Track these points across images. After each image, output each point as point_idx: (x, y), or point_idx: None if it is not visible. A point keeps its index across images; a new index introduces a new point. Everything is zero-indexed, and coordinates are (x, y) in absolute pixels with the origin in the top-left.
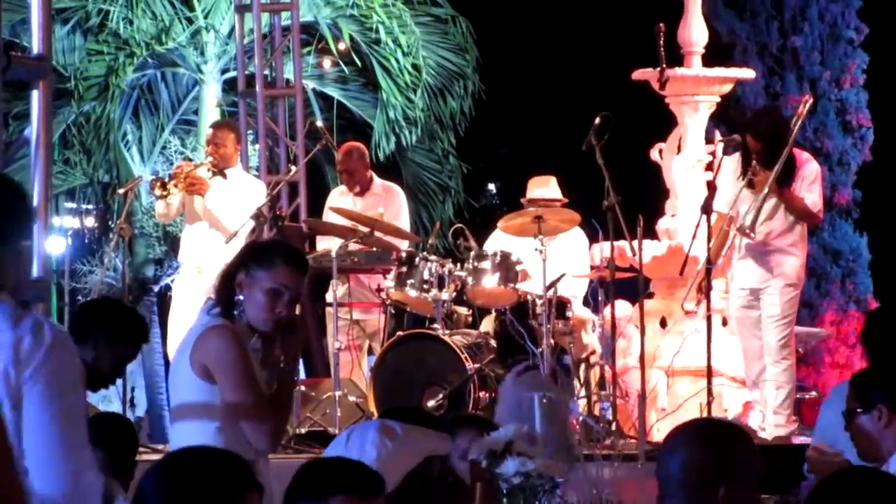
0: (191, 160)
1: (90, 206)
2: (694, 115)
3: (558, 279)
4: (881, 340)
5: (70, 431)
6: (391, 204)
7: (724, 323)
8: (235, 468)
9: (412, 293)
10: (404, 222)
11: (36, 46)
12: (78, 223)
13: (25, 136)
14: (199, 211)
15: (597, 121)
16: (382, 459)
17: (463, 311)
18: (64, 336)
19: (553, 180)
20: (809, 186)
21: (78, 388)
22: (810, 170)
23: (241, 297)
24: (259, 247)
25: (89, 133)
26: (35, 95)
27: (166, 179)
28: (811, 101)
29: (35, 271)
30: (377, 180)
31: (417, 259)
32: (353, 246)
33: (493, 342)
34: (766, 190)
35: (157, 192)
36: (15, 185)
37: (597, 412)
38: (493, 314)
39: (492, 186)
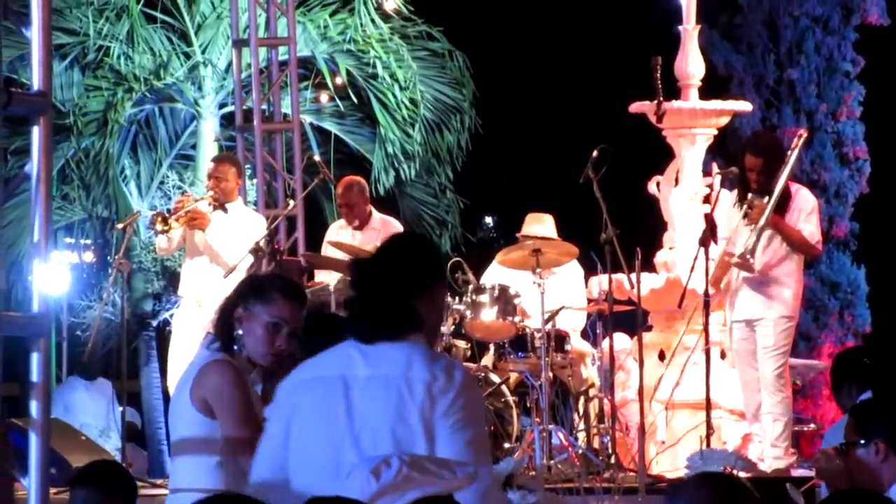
0: (190, 194)
1: (89, 241)
2: (691, 148)
3: (556, 312)
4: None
5: (481, 456)
6: None
7: (723, 356)
8: None
9: None
10: None
11: (36, 83)
12: (76, 258)
13: (26, 171)
14: (199, 245)
15: (594, 154)
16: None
17: (461, 344)
18: (472, 377)
19: (549, 219)
20: (807, 217)
21: (483, 421)
22: (807, 201)
23: (241, 332)
24: (257, 281)
25: (88, 168)
26: (35, 131)
27: (167, 214)
28: (805, 135)
29: (35, 307)
30: (376, 214)
31: None
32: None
33: (492, 376)
34: (762, 221)
35: (158, 226)
36: (427, 240)
37: (596, 445)
38: (492, 348)
39: (489, 220)
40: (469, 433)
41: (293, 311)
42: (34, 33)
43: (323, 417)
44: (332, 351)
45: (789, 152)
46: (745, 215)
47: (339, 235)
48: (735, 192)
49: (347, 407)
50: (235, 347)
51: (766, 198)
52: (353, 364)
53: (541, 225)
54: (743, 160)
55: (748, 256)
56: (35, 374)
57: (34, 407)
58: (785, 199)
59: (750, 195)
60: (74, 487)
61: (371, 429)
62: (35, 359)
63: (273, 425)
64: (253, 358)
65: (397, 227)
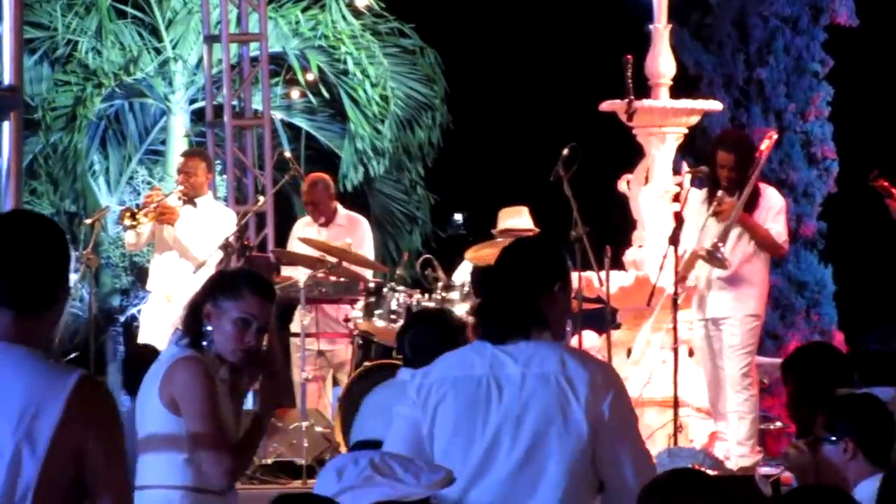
0: (159, 189)
1: None
2: (661, 147)
3: None
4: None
5: (643, 445)
6: (356, 234)
7: (691, 353)
8: None
9: (380, 323)
10: (369, 253)
11: (7, 78)
12: None
13: None
14: (168, 240)
15: (564, 152)
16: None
17: None
18: (616, 372)
19: (525, 210)
20: (775, 217)
21: (635, 417)
22: (775, 200)
23: (210, 328)
24: (226, 277)
25: (56, 163)
26: (6, 126)
27: (136, 209)
28: (776, 136)
29: None
30: (342, 211)
31: (385, 289)
32: (319, 276)
33: None
34: (731, 218)
35: (127, 221)
36: (550, 242)
37: None
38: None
39: (458, 217)
40: (634, 429)
41: (262, 307)
42: (5, 29)
43: (473, 416)
44: (470, 350)
45: (759, 154)
46: (715, 213)
47: (306, 232)
48: (704, 190)
49: (501, 406)
50: (204, 343)
51: (736, 196)
52: (500, 363)
53: (517, 218)
54: (714, 157)
55: (719, 245)
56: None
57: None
58: (754, 198)
59: (720, 193)
60: None
61: (531, 426)
62: None
63: (408, 419)
64: (222, 354)
65: (363, 224)
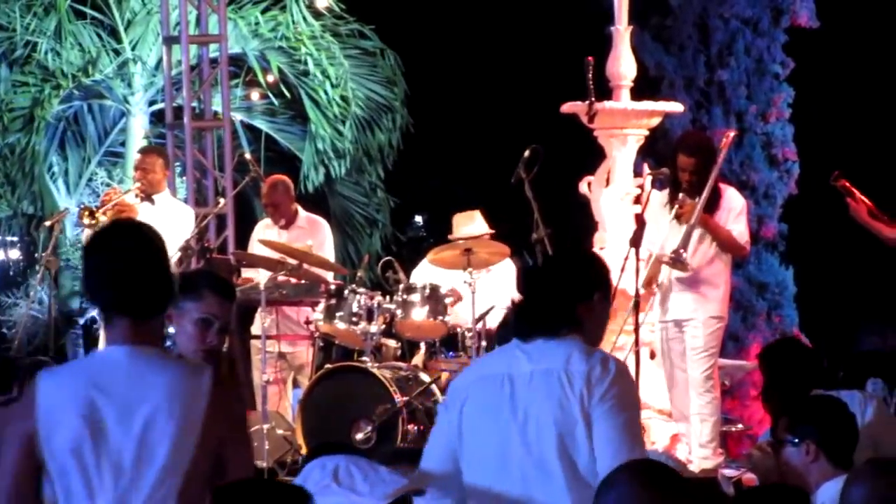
0: (117, 187)
1: (14, 238)
2: (622, 149)
3: (487, 311)
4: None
5: (633, 438)
6: (316, 236)
7: (653, 356)
8: None
9: (341, 326)
10: (329, 255)
11: None
12: (2, 255)
13: None
14: None
15: (526, 154)
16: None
17: (392, 343)
18: (625, 367)
19: (478, 214)
20: (736, 218)
21: (637, 407)
22: (736, 201)
23: (171, 329)
24: (186, 278)
25: (14, 165)
26: None
27: (95, 208)
28: (734, 135)
29: None
30: (302, 213)
31: (346, 292)
32: (280, 278)
33: (422, 375)
34: (693, 220)
35: (86, 220)
36: (594, 254)
37: None
38: (423, 347)
39: (419, 219)
40: (623, 417)
41: (223, 307)
42: None
43: (491, 413)
44: (499, 351)
45: (719, 153)
46: (677, 216)
47: (266, 234)
48: (666, 192)
49: (513, 402)
50: (168, 344)
51: (697, 198)
52: (517, 362)
53: (471, 223)
54: (675, 160)
55: (682, 252)
56: None
57: None
58: (714, 199)
59: (681, 195)
60: None
61: (536, 421)
62: None
63: (443, 420)
64: (184, 354)
65: (324, 226)
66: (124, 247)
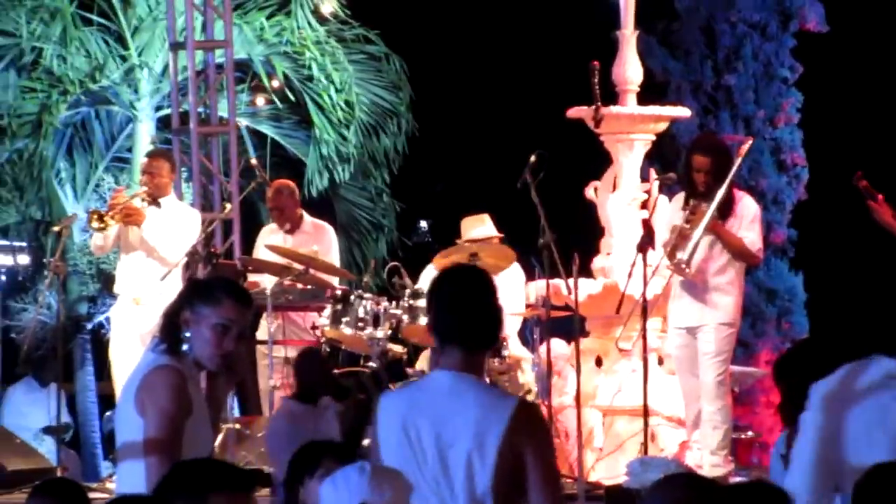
0: (123, 190)
1: (23, 244)
2: (629, 154)
3: None
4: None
5: None
6: (321, 241)
7: (661, 362)
8: None
9: (347, 331)
10: (335, 260)
11: None
12: (11, 260)
13: None
14: (134, 242)
15: (532, 159)
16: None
17: (398, 348)
18: None
19: (487, 217)
20: (749, 225)
21: None
22: (749, 208)
23: (188, 334)
24: (203, 283)
25: (22, 170)
26: None
27: (103, 211)
28: (751, 142)
29: None
30: (307, 218)
31: (353, 297)
32: (286, 283)
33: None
34: (701, 227)
35: (95, 224)
36: None
37: None
38: (429, 352)
39: (424, 224)
40: None
41: (240, 313)
42: None
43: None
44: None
45: (736, 158)
46: (687, 220)
47: (271, 239)
48: (681, 196)
49: None
50: (185, 347)
51: (710, 202)
52: None
53: (481, 226)
54: (689, 162)
55: (683, 266)
56: None
57: None
58: (728, 206)
59: (692, 201)
60: (31, 498)
61: None
62: None
63: (820, 423)
64: (200, 360)
65: (329, 231)
66: (464, 287)
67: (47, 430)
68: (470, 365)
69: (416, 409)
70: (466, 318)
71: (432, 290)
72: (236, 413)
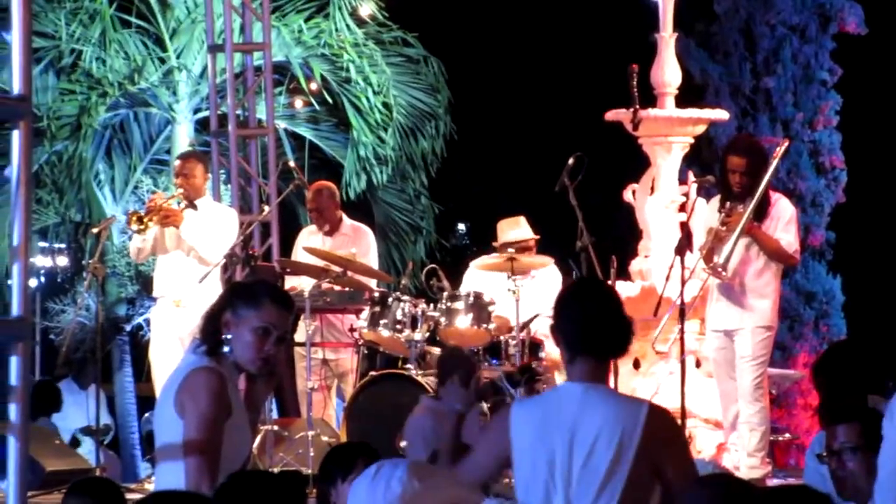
0: (160, 192)
1: (62, 245)
2: (667, 156)
3: (531, 319)
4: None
5: None
6: (360, 244)
7: (698, 364)
8: None
9: (385, 333)
10: (373, 262)
11: (16, 87)
12: (50, 262)
13: (5, 175)
14: (170, 244)
15: (570, 161)
16: (406, 499)
17: (436, 351)
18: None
19: (523, 220)
20: (785, 227)
21: None
22: (785, 210)
23: (229, 336)
24: (245, 286)
25: (61, 172)
26: (15, 136)
27: (142, 214)
28: (788, 144)
29: (16, 310)
30: (346, 220)
31: (390, 299)
32: (324, 285)
33: None
34: (738, 230)
35: (135, 226)
36: None
37: None
38: None
39: (462, 227)
40: None
41: (281, 316)
42: (14, 37)
43: None
44: None
45: (771, 160)
46: (723, 223)
47: (310, 241)
48: (717, 198)
49: None
50: (226, 349)
51: (746, 204)
52: None
53: (517, 229)
54: (725, 163)
55: (720, 269)
56: (14, 378)
57: (13, 411)
58: (763, 208)
59: (728, 203)
60: (67, 497)
61: None
62: (15, 362)
63: None
64: (241, 363)
65: (368, 233)
66: (594, 300)
67: (86, 431)
68: (599, 374)
69: (549, 418)
70: (597, 330)
71: (560, 304)
72: (275, 415)
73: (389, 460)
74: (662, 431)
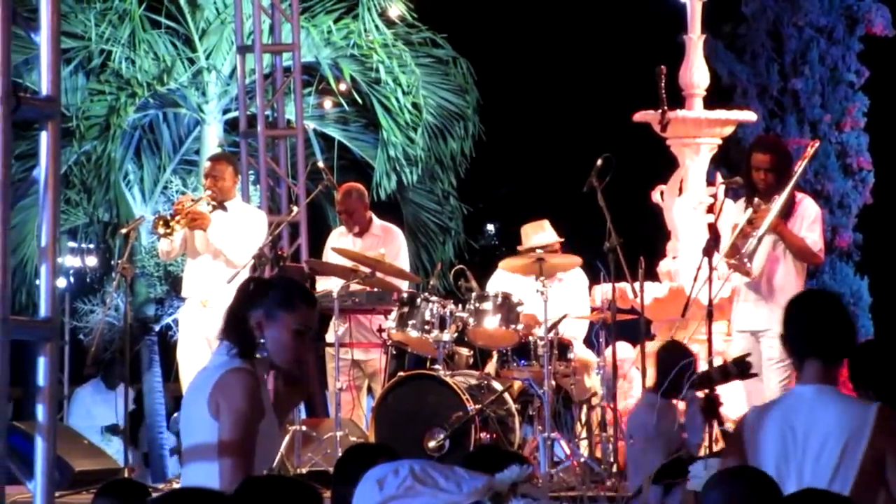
0: (189, 195)
1: (91, 246)
2: (695, 157)
3: (559, 320)
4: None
5: None
6: (390, 245)
7: None
8: None
9: (414, 334)
10: (403, 263)
11: (45, 88)
12: (79, 262)
13: (34, 176)
14: (200, 247)
15: (598, 162)
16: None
17: (464, 351)
18: None
19: (546, 223)
20: (810, 226)
21: None
22: (810, 209)
23: (263, 339)
24: (279, 289)
25: (90, 172)
26: (44, 136)
27: (169, 217)
28: (818, 145)
29: (44, 311)
30: (376, 221)
31: (419, 300)
32: (353, 286)
33: (495, 383)
34: (764, 226)
35: (161, 230)
36: None
37: (599, 454)
38: (495, 356)
39: (490, 227)
40: None
41: (313, 316)
42: (43, 38)
43: None
44: None
45: (799, 161)
46: (750, 220)
47: (340, 242)
48: (743, 200)
49: None
50: (261, 355)
51: (772, 203)
52: None
53: (541, 233)
54: (749, 161)
55: (745, 261)
56: (42, 378)
57: (41, 411)
58: (789, 207)
59: (756, 200)
60: (97, 498)
61: None
62: (42, 363)
63: None
64: (276, 363)
65: (398, 234)
66: (818, 305)
67: (110, 430)
68: (828, 376)
69: (788, 417)
70: (825, 334)
71: (790, 312)
72: (303, 415)
73: (399, 462)
74: (891, 432)
